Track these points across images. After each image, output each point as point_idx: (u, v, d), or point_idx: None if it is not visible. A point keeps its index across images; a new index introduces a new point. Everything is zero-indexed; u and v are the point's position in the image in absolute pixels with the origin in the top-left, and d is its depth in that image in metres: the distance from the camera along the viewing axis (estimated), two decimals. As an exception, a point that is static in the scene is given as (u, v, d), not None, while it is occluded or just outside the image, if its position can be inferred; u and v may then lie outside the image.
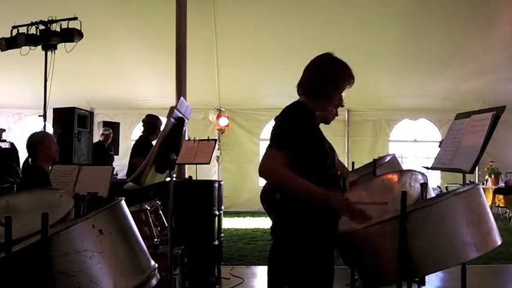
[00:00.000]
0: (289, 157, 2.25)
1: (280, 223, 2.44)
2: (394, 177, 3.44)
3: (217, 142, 7.78)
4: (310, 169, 2.30)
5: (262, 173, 2.31)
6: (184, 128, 3.41)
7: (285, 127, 2.37)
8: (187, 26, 6.74)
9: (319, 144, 2.41)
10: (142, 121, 5.80)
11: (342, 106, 2.53)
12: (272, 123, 5.18)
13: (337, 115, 2.96)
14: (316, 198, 2.24)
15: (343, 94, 2.51)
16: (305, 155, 2.31)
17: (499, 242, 2.53)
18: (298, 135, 2.32)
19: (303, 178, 2.24)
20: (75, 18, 6.38)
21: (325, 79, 2.43)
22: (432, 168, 3.62)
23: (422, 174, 3.29)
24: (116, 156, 9.49)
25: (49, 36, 6.31)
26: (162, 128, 5.71)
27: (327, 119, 2.61)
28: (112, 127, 9.40)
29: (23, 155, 6.66)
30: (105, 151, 8.84)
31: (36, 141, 3.91)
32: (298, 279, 2.36)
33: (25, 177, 4.46)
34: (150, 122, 5.74)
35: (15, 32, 6.44)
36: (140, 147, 5.51)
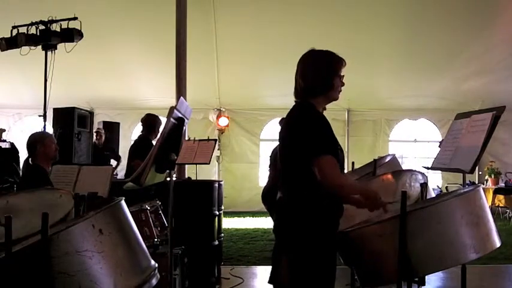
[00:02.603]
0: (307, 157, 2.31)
1: (283, 222, 2.45)
2: (394, 177, 3.44)
3: (217, 142, 7.78)
4: None
5: (326, 181, 2.29)
6: (184, 128, 3.41)
7: (318, 131, 2.36)
8: (187, 26, 6.74)
9: (336, 145, 2.43)
10: (142, 120, 5.77)
11: (343, 85, 2.54)
12: (272, 123, 5.20)
13: (325, 109, 2.98)
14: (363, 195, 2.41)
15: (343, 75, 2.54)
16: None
17: (498, 244, 2.53)
18: (331, 136, 2.38)
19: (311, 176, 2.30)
20: (75, 18, 6.38)
21: (326, 71, 2.46)
22: (432, 168, 3.63)
23: (422, 174, 3.29)
24: (115, 156, 9.48)
25: (49, 36, 6.31)
26: (161, 127, 5.74)
27: None
28: (112, 127, 9.39)
29: (23, 155, 6.66)
30: (100, 152, 8.72)
31: (35, 140, 3.92)
32: (300, 278, 2.36)
33: (25, 176, 4.45)
34: (150, 121, 5.72)
35: (15, 32, 6.43)
36: (140, 147, 5.50)
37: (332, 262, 2.40)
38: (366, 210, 2.51)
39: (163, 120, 3.40)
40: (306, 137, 2.35)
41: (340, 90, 2.55)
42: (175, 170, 3.60)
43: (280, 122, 4.97)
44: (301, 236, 2.35)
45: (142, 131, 5.74)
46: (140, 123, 5.93)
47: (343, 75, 2.52)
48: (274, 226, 2.64)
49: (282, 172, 2.51)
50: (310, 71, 2.48)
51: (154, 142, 5.65)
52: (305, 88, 2.47)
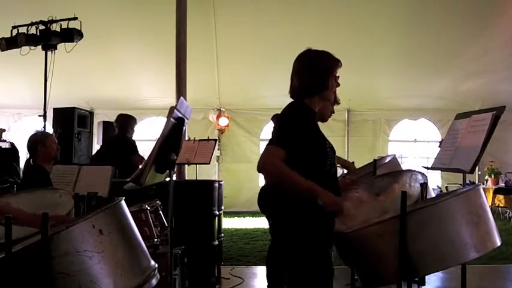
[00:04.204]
0: (286, 154, 2.26)
1: (280, 221, 2.44)
2: (394, 177, 3.43)
3: (217, 142, 7.77)
4: (310, 168, 2.31)
5: (261, 168, 2.29)
6: (184, 128, 3.41)
7: (285, 125, 2.38)
8: (187, 26, 6.74)
9: (321, 143, 2.41)
10: (115, 121, 5.92)
11: (338, 85, 2.53)
12: (272, 123, 5.22)
13: (333, 112, 2.99)
14: (309, 194, 2.25)
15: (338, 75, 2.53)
16: (306, 154, 2.32)
17: (498, 243, 2.53)
18: (298, 134, 2.33)
19: (310, 177, 2.25)
20: (75, 18, 6.38)
21: (322, 71, 2.45)
22: (432, 168, 3.62)
23: (422, 174, 3.29)
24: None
25: (49, 36, 6.31)
26: (135, 127, 5.92)
27: (324, 116, 2.61)
28: (112, 127, 9.38)
29: (23, 155, 6.67)
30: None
31: (36, 141, 3.92)
32: (297, 279, 2.36)
33: (26, 177, 4.45)
34: (122, 121, 5.85)
35: (15, 32, 6.44)
36: (120, 146, 5.60)
37: (328, 262, 2.40)
38: (366, 210, 2.51)
39: (163, 120, 3.40)
40: (279, 126, 2.39)
41: (335, 91, 2.54)
42: (175, 170, 3.60)
43: (273, 119, 5.02)
44: (297, 233, 2.35)
45: (118, 132, 5.84)
46: (140, 124, 5.97)
47: (339, 76, 2.51)
48: (270, 226, 2.64)
49: None
50: (305, 70, 2.47)
51: (131, 139, 5.86)
52: (300, 88, 2.47)
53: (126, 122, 5.82)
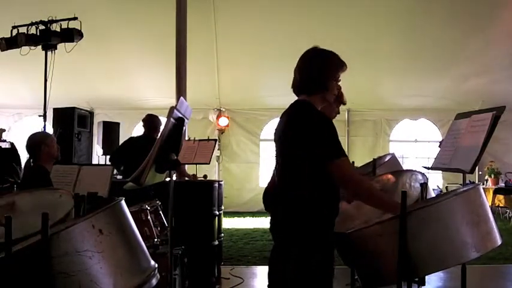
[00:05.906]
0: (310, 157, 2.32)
1: (285, 219, 2.45)
2: (394, 177, 3.44)
3: (217, 142, 7.77)
4: (320, 167, 2.31)
5: (350, 188, 2.37)
6: (184, 128, 3.41)
7: (327, 133, 2.35)
8: (187, 26, 6.74)
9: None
10: (143, 121, 5.86)
11: (340, 89, 2.54)
12: (272, 123, 5.21)
13: (338, 113, 2.99)
14: (385, 208, 2.45)
15: (340, 82, 2.53)
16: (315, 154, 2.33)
17: (498, 242, 2.52)
18: (337, 137, 2.37)
19: (318, 177, 2.32)
20: (75, 18, 6.39)
21: (322, 72, 2.44)
22: (432, 168, 3.62)
23: (422, 174, 3.29)
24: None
25: (49, 36, 6.32)
26: (162, 127, 5.84)
27: (329, 115, 2.60)
28: (112, 127, 9.39)
29: (22, 155, 6.66)
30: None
31: (39, 141, 3.92)
32: (300, 274, 2.36)
33: (26, 177, 4.45)
34: (151, 121, 5.80)
35: (15, 32, 6.45)
36: (145, 145, 5.55)
37: (328, 260, 2.40)
38: (366, 211, 2.51)
39: (164, 120, 3.40)
40: (320, 139, 2.33)
41: (335, 94, 2.54)
42: (176, 170, 3.60)
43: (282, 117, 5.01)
44: (298, 234, 2.35)
45: (144, 132, 5.80)
46: (141, 123, 5.98)
47: (340, 79, 2.50)
48: (271, 225, 2.64)
49: (281, 170, 2.50)
50: (307, 67, 2.47)
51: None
52: (300, 83, 2.47)
53: (153, 123, 5.83)
